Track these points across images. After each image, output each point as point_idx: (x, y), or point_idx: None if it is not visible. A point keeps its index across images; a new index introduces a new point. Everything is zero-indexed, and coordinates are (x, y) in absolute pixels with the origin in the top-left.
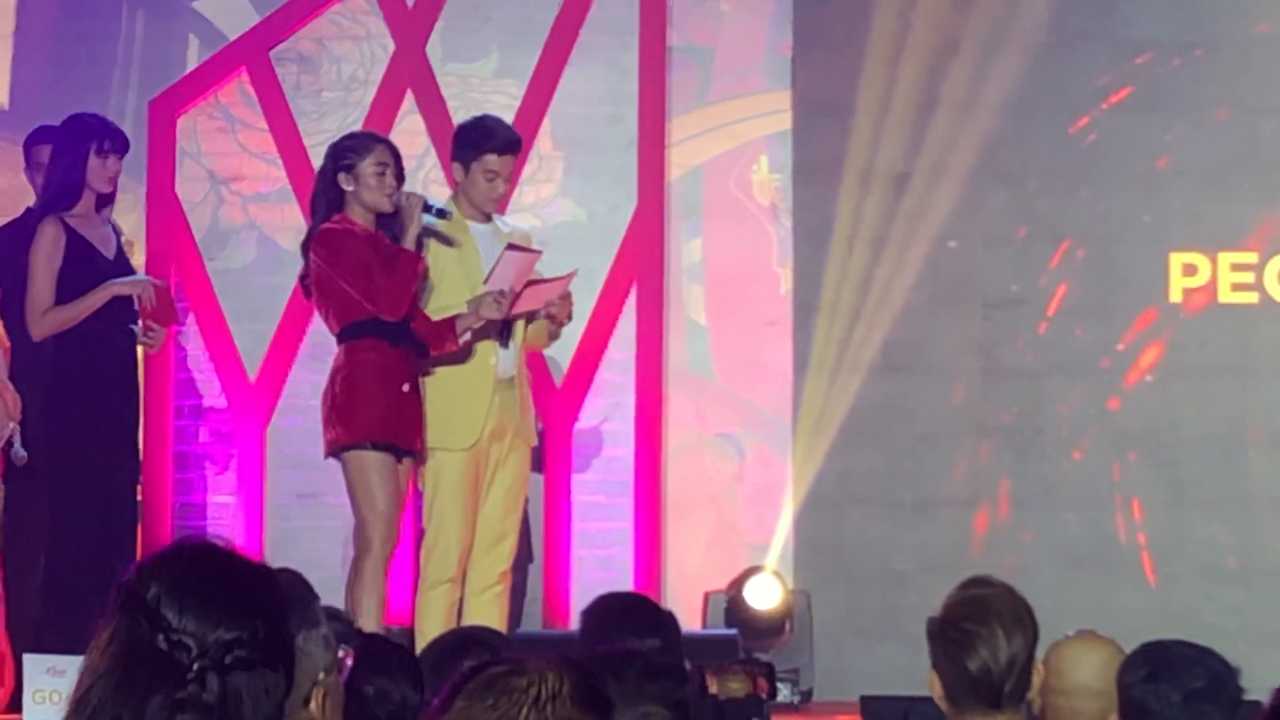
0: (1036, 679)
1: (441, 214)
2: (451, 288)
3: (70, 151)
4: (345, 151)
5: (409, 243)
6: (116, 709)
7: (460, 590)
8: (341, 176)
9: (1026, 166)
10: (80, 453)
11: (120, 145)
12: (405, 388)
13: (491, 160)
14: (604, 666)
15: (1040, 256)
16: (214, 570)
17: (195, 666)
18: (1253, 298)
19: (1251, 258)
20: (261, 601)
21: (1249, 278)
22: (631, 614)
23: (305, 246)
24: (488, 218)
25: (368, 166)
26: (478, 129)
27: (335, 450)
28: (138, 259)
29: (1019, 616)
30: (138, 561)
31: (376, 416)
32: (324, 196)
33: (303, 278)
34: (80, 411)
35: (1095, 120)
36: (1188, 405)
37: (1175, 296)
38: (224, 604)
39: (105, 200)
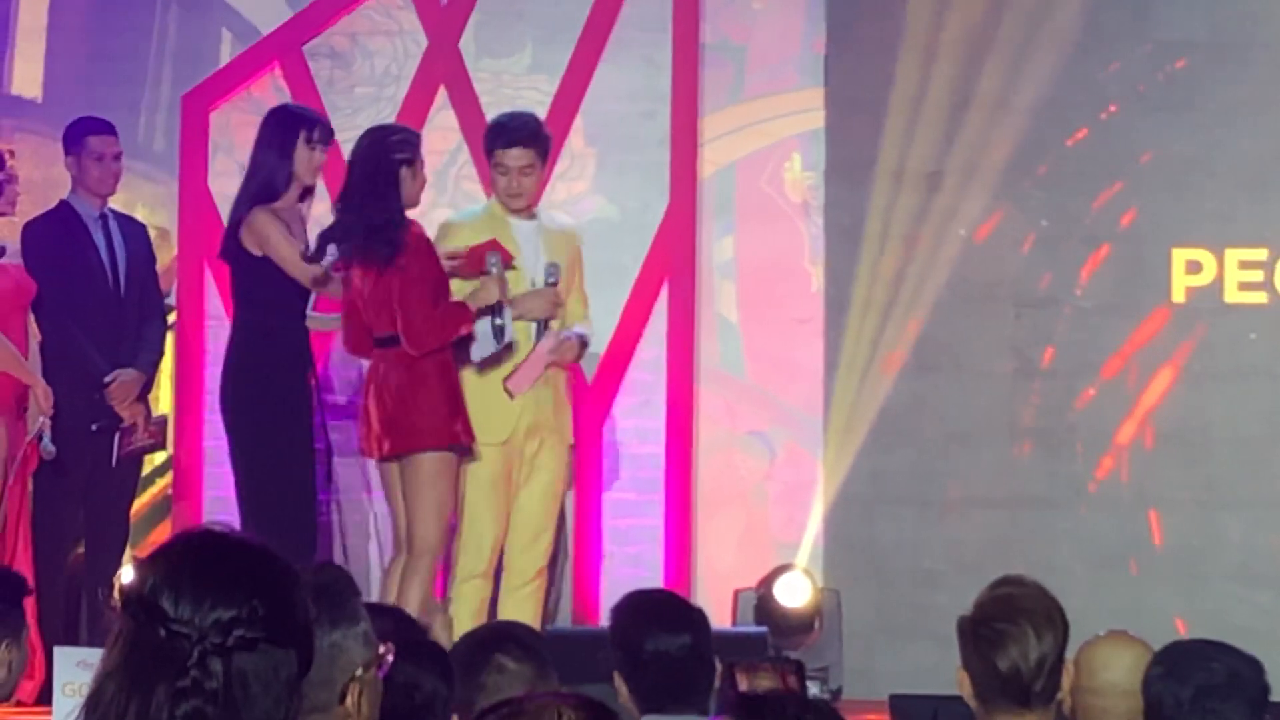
0: (1066, 679)
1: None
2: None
3: (279, 142)
4: (405, 145)
5: (475, 298)
6: (124, 704)
7: (492, 585)
8: (404, 170)
9: (1059, 165)
10: (261, 445)
11: (328, 136)
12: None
13: (499, 155)
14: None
15: (1072, 256)
16: (207, 555)
17: (195, 652)
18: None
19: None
20: (259, 580)
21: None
22: (662, 611)
23: (376, 240)
24: (531, 213)
25: (419, 166)
26: (490, 127)
27: (399, 453)
28: (170, 252)
29: (1049, 616)
30: (138, 561)
31: (445, 418)
32: (386, 185)
33: (381, 262)
34: (257, 406)
35: (1128, 120)
36: (1219, 406)
37: (1208, 296)
38: (218, 586)
39: (307, 192)
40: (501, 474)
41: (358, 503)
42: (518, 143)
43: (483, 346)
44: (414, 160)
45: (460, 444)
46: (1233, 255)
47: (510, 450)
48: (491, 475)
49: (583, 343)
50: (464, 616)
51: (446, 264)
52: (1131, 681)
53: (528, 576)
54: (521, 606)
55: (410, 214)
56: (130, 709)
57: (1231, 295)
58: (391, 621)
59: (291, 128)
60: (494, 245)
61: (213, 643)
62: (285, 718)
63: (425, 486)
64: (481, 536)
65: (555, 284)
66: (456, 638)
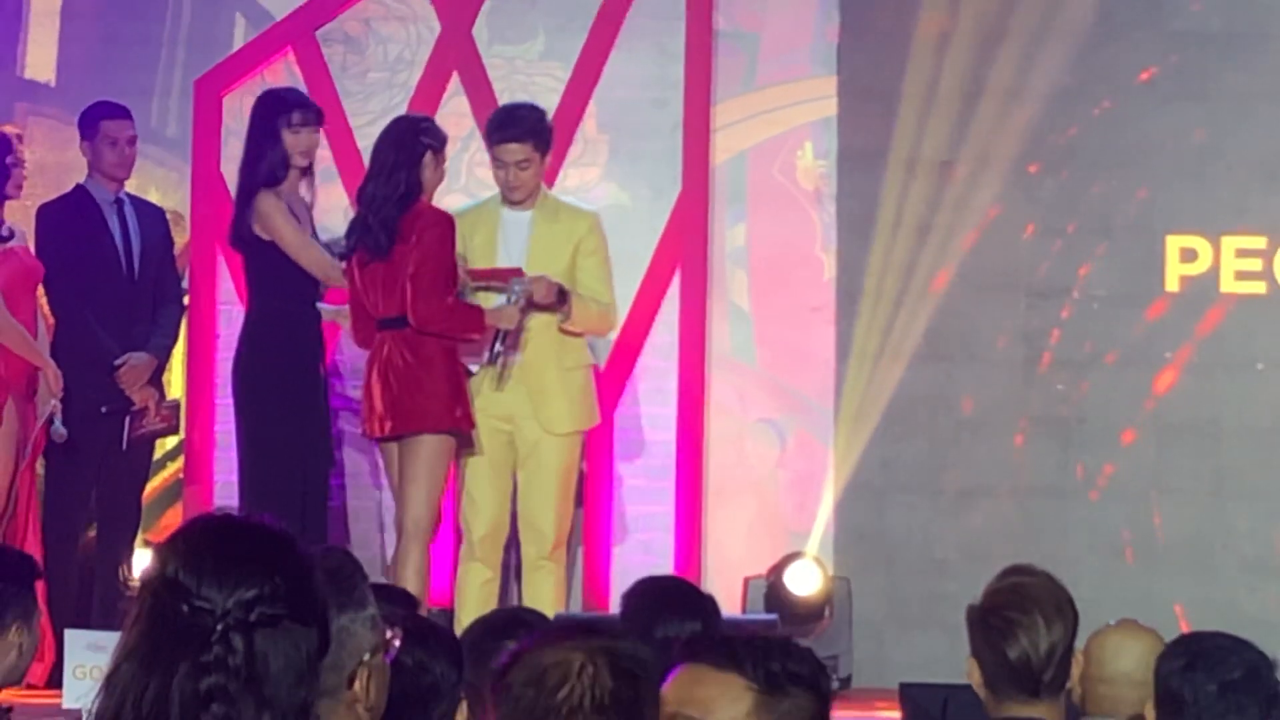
0: (1075, 668)
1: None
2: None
3: (264, 128)
4: (433, 132)
5: (493, 317)
6: (145, 681)
7: (491, 571)
8: (429, 155)
9: (1072, 155)
10: (271, 431)
11: (314, 118)
12: (470, 371)
13: (497, 149)
14: None
15: (1085, 245)
16: (228, 535)
17: (219, 628)
18: None
19: None
20: (278, 559)
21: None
22: (672, 597)
23: (391, 218)
24: (529, 205)
25: (443, 158)
26: (490, 119)
27: (401, 433)
28: (183, 237)
29: (1059, 605)
30: (157, 543)
31: (448, 402)
32: (407, 169)
33: (379, 248)
34: (269, 392)
35: (1141, 109)
36: (1231, 396)
37: (1222, 287)
38: (240, 565)
39: (305, 172)
40: (488, 461)
41: (367, 489)
42: (514, 138)
43: (474, 360)
44: (439, 150)
45: (460, 430)
46: (1244, 245)
47: (496, 436)
48: (479, 462)
49: (546, 286)
50: (468, 601)
51: (463, 273)
52: (1142, 671)
53: (534, 561)
54: (538, 589)
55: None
56: (151, 685)
57: (1244, 286)
58: (399, 606)
59: (271, 114)
60: (518, 273)
61: (236, 619)
62: (305, 696)
63: (421, 469)
64: (472, 522)
65: (518, 302)
66: (459, 620)
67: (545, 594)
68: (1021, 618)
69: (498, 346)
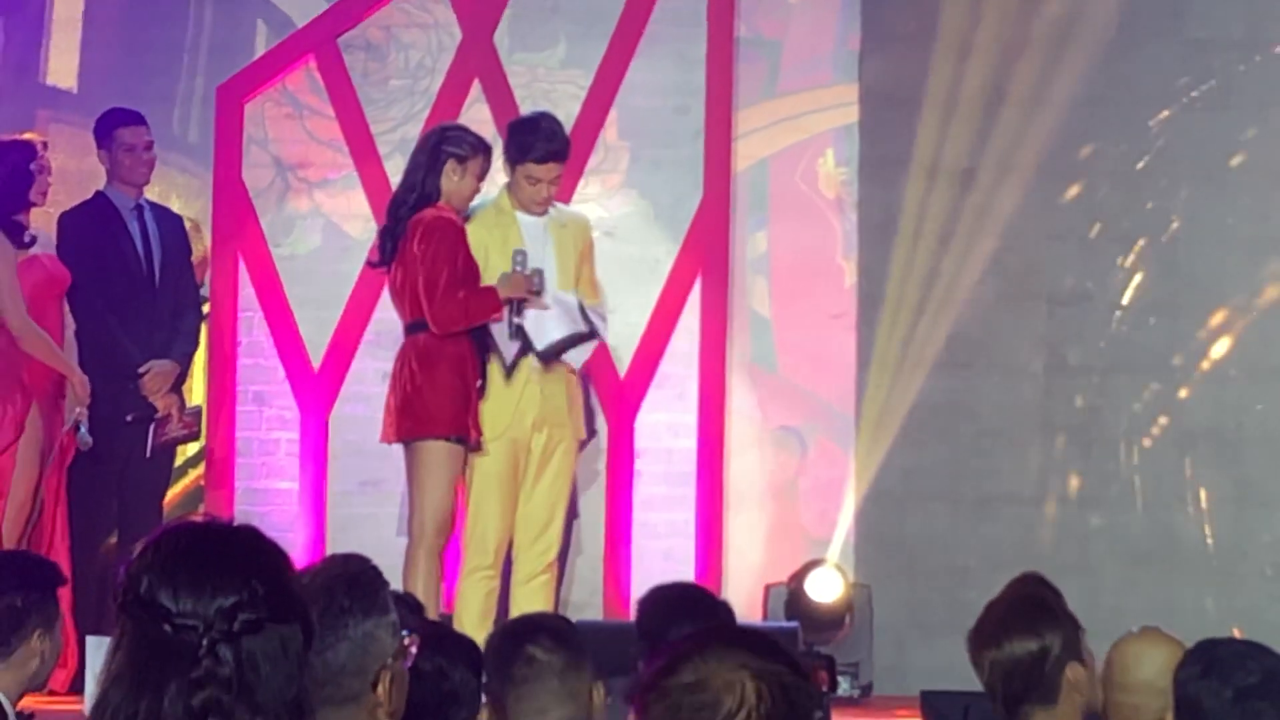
0: (1090, 675)
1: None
2: (493, 276)
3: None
4: (460, 141)
5: (500, 288)
6: (135, 705)
7: (499, 579)
8: (451, 163)
9: (1094, 163)
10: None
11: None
12: (479, 383)
13: (532, 168)
14: None
15: (1106, 253)
16: (196, 546)
17: (205, 642)
18: None
19: None
20: (251, 562)
21: None
22: (687, 604)
23: (393, 229)
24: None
25: (474, 167)
26: (525, 134)
27: (406, 438)
28: (202, 244)
29: (1051, 612)
30: (125, 562)
31: (452, 408)
32: (424, 177)
33: (384, 254)
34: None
35: (1164, 118)
36: (1254, 404)
37: (1244, 294)
38: (215, 574)
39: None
40: (507, 468)
41: (389, 495)
42: (553, 156)
43: (506, 346)
44: (466, 159)
45: (466, 437)
46: (1265, 251)
47: (516, 444)
48: (497, 469)
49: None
50: (471, 610)
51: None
52: (1164, 679)
53: (535, 570)
54: (531, 600)
55: None
56: (141, 708)
57: (1265, 293)
58: (408, 610)
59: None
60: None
61: (220, 630)
62: (297, 693)
63: (424, 474)
64: (486, 530)
65: (522, 270)
66: (462, 630)
67: (539, 604)
68: (1002, 630)
69: (514, 319)
